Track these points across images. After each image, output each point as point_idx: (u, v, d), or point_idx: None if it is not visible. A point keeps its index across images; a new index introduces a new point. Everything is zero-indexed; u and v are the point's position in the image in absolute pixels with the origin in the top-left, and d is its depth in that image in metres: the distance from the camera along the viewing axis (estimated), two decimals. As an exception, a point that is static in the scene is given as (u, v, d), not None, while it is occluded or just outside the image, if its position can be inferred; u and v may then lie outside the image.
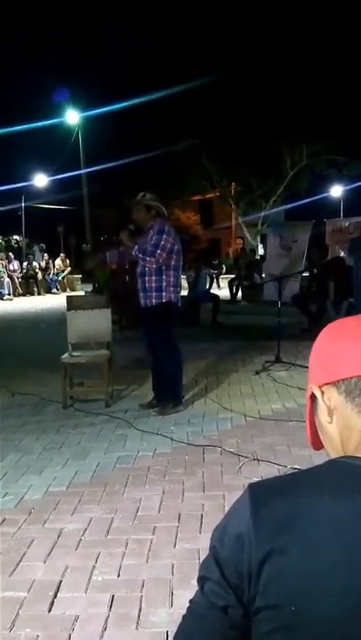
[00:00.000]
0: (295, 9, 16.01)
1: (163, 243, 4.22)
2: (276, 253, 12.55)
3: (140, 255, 4.27)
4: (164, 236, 4.23)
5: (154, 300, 4.33)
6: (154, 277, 4.32)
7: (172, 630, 1.88)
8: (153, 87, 16.80)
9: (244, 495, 0.75)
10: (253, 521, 0.70)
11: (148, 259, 4.24)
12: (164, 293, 4.32)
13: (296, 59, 15.73)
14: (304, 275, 10.63)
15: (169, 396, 4.54)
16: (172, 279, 4.35)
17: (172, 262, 4.33)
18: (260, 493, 0.73)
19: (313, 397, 0.82)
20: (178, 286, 4.45)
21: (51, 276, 19.20)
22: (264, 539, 0.69)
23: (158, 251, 4.20)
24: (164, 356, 4.47)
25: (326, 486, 0.72)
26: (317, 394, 0.79)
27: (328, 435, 0.80)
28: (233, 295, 13.72)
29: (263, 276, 13.31)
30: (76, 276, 20.55)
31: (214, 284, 16.18)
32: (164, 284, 4.32)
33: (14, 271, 17.96)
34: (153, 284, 4.33)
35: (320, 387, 0.79)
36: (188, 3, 17.69)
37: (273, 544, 0.68)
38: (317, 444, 0.86)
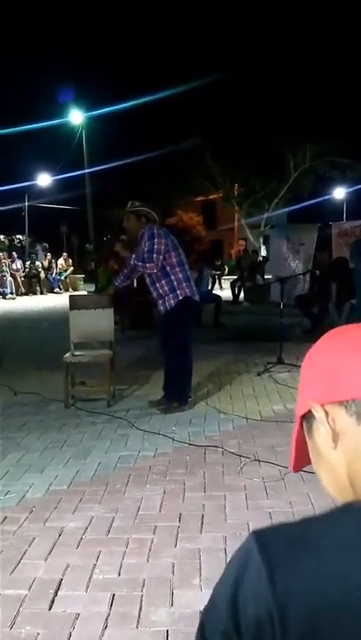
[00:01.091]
0: (299, 9, 16.02)
1: (156, 246, 4.26)
2: (283, 256, 12.60)
3: (140, 263, 4.31)
4: (156, 240, 4.27)
5: (172, 302, 4.35)
6: (164, 281, 4.35)
7: (173, 629, 1.89)
8: (156, 87, 16.85)
9: (252, 554, 0.59)
10: (274, 599, 0.56)
11: (147, 265, 4.28)
12: (178, 291, 4.35)
13: (300, 59, 15.75)
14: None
15: (176, 395, 4.55)
16: (180, 275, 4.37)
17: (174, 259, 4.35)
18: (275, 555, 0.58)
19: (305, 415, 0.70)
20: (190, 280, 4.46)
21: (53, 275, 19.23)
22: (292, 624, 0.56)
23: (154, 255, 4.25)
24: (176, 353, 4.46)
25: (354, 543, 0.58)
26: (319, 414, 0.66)
27: (329, 463, 0.68)
28: (235, 296, 13.73)
29: (270, 277, 13.34)
30: (78, 275, 20.60)
31: (216, 285, 16.19)
32: (175, 283, 4.34)
33: (17, 270, 18.00)
34: (166, 288, 4.36)
35: (322, 405, 0.66)
36: (191, 3, 17.71)
37: (302, 631, 0.56)
38: (299, 466, 0.74)
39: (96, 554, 2.40)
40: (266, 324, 8.44)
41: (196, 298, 4.51)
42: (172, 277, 4.34)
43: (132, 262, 4.37)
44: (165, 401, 4.57)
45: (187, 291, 4.37)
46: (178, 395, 4.54)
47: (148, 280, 4.48)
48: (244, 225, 21.51)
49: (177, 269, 4.36)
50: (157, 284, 4.38)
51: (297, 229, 13.15)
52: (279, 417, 4.30)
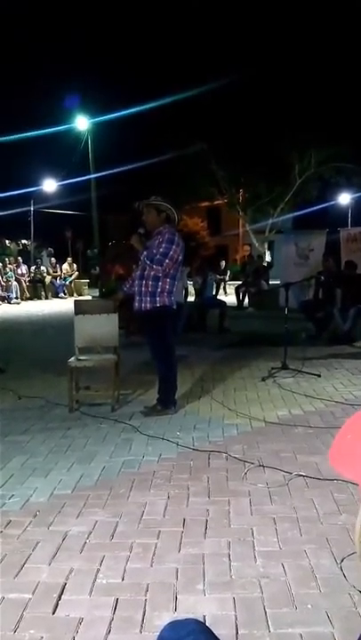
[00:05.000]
0: (306, 16, 16.08)
1: (171, 253, 4.29)
2: (293, 262, 12.67)
3: (148, 262, 4.32)
4: (174, 247, 4.31)
5: (148, 305, 4.39)
6: (150, 282, 4.38)
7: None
8: (162, 93, 16.92)
9: None
10: None
11: (155, 267, 4.30)
12: (157, 298, 4.38)
13: (306, 65, 15.78)
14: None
15: (161, 399, 4.60)
16: (167, 286, 4.40)
17: (172, 271, 4.39)
18: None
19: None
20: (172, 293, 4.49)
21: (58, 280, 19.27)
22: None
23: (166, 260, 4.28)
24: (158, 359, 4.56)
25: None
26: None
27: None
28: (240, 302, 13.74)
29: (278, 282, 13.38)
30: (83, 280, 20.65)
31: (221, 291, 16.19)
32: (158, 289, 4.37)
33: (22, 275, 18.06)
34: (149, 289, 4.38)
35: None
36: (199, 8, 17.79)
37: None
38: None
39: (100, 558, 2.40)
40: (270, 330, 8.43)
41: (174, 306, 4.53)
42: (160, 284, 4.37)
43: (141, 258, 4.39)
44: (156, 404, 4.65)
45: (165, 300, 4.40)
46: (161, 399, 4.61)
47: (138, 272, 4.50)
48: (248, 230, 21.51)
49: (167, 280, 4.39)
50: (143, 281, 4.40)
51: (306, 235, 13.20)
52: (283, 422, 4.30)
